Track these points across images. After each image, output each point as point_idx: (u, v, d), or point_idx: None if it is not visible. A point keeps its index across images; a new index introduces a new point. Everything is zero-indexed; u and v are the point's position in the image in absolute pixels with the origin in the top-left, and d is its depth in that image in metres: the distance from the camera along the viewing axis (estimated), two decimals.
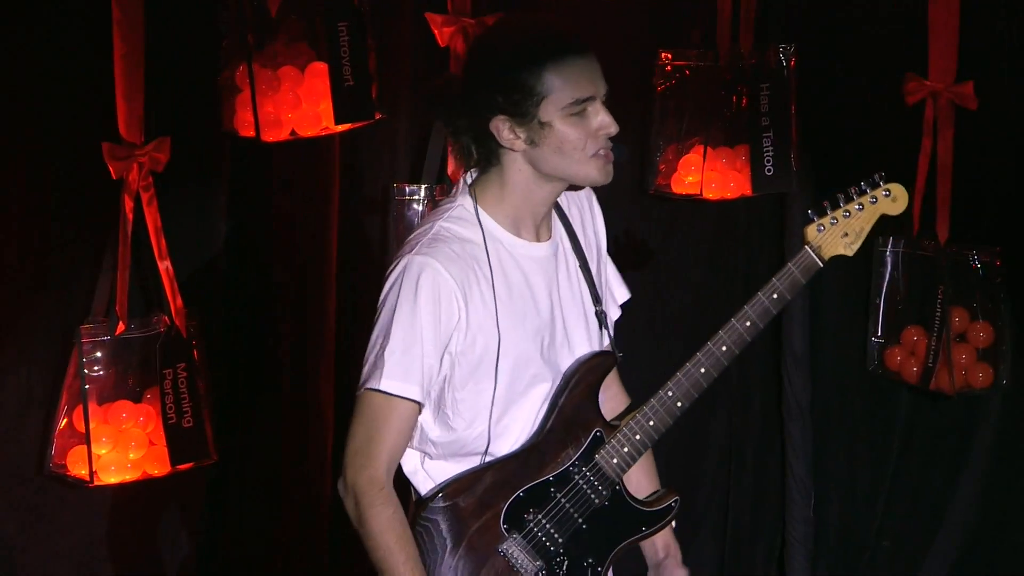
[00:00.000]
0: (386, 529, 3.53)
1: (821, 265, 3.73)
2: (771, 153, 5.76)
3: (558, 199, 3.74)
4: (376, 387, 3.53)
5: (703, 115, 5.80)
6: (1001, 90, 5.65)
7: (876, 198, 3.74)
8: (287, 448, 5.73)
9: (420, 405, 3.58)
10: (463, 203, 3.66)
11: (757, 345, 5.91)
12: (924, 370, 5.70)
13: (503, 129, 3.57)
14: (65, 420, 5.14)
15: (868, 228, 3.75)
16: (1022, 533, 5.91)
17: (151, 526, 5.55)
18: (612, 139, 3.63)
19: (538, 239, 3.68)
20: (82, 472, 5.08)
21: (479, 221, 3.62)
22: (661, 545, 3.85)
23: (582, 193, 3.82)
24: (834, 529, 6.11)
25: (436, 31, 5.43)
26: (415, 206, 5.50)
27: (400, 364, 3.53)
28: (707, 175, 5.79)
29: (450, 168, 5.52)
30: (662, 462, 4.06)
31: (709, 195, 5.80)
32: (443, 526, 3.57)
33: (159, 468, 5.21)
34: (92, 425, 5.11)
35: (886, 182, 3.76)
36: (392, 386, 3.53)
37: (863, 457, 6.07)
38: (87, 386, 5.11)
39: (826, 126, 5.92)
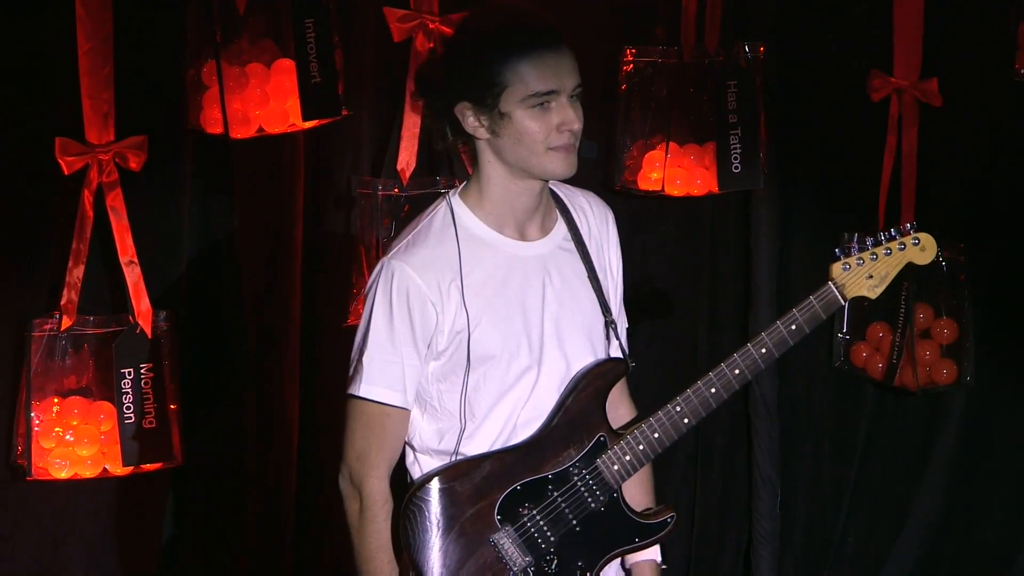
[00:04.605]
0: (384, 546, 3.63)
1: (843, 303, 3.72)
2: (738, 150, 5.76)
3: (569, 206, 3.76)
4: (357, 393, 3.61)
5: (668, 112, 5.80)
6: (966, 87, 5.67)
7: (904, 245, 3.73)
8: (251, 447, 5.70)
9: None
10: (445, 202, 3.68)
11: (724, 342, 5.99)
12: (889, 366, 5.72)
13: (467, 116, 3.59)
14: (22, 413, 5.17)
15: (893, 274, 3.74)
16: (986, 529, 5.93)
17: (115, 525, 5.53)
18: (583, 135, 3.63)
19: (524, 237, 3.69)
20: (27, 464, 5.15)
21: (454, 220, 3.63)
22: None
23: (601, 212, 3.82)
24: (800, 526, 6.11)
25: (392, 26, 5.43)
26: (378, 200, 5.50)
27: (380, 371, 3.59)
28: (673, 172, 5.79)
29: (399, 163, 5.52)
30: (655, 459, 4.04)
31: (672, 191, 5.80)
32: (437, 508, 3.60)
33: (120, 467, 5.21)
34: (42, 419, 5.16)
35: (916, 230, 3.74)
36: (372, 392, 3.60)
37: (829, 454, 6.08)
38: (33, 380, 5.16)
39: (792, 123, 5.92)
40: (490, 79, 3.54)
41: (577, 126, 3.58)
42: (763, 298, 5.93)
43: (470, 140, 3.64)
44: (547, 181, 3.67)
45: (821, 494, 6.09)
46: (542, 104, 3.55)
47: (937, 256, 5.60)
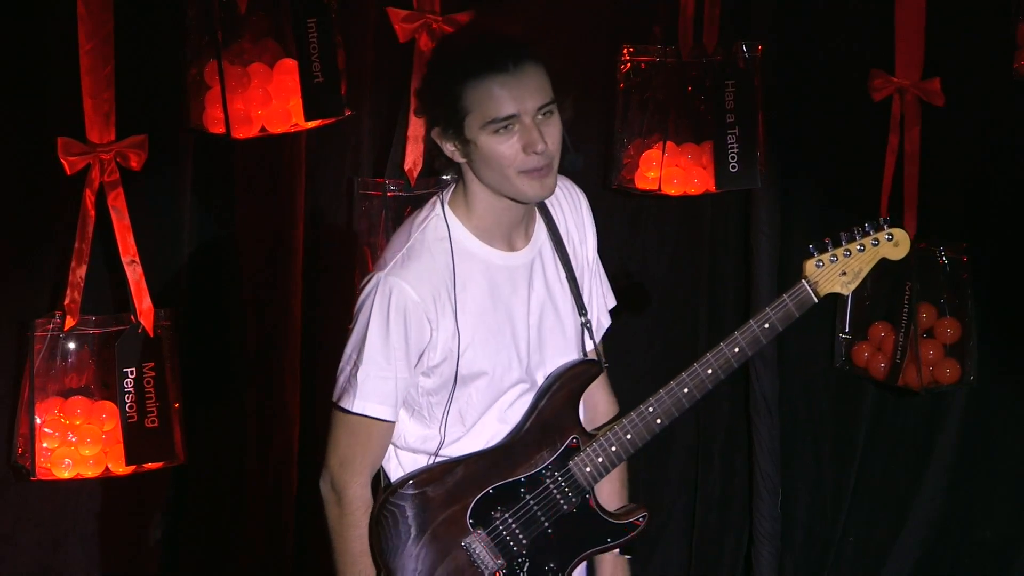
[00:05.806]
0: (368, 550, 3.63)
1: (816, 301, 3.71)
2: (736, 149, 5.76)
3: (548, 201, 3.73)
4: (350, 408, 3.60)
5: (665, 111, 5.79)
6: (966, 87, 5.67)
7: (878, 241, 3.72)
8: (251, 447, 5.70)
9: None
10: (437, 213, 3.66)
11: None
12: (891, 366, 5.72)
13: (443, 141, 3.59)
14: (23, 413, 5.17)
15: (867, 270, 3.74)
16: (986, 529, 5.94)
17: (115, 525, 5.53)
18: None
19: (512, 247, 3.68)
20: (30, 464, 5.14)
21: (449, 234, 3.62)
22: (609, 573, 3.87)
23: (577, 200, 3.82)
24: (801, 526, 6.12)
25: (397, 26, 5.43)
26: (378, 201, 5.49)
27: (374, 387, 3.58)
28: (670, 171, 5.79)
29: (407, 164, 5.51)
30: (630, 459, 4.05)
31: (669, 191, 5.80)
32: (409, 513, 3.62)
33: (122, 467, 5.20)
34: (44, 419, 5.15)
35: (890, 226, 3.73)
36: (367, 408, 3.59)
37: (830, 454, 6.09)
38: (35, 379, 5.14)
39: (792, 123, 5.93)
40: (452, 108, 3.53)
41: (541, 147, 3.53)
42: (763, 298, 5.92)
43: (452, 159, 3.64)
44: None
45: (822, 494, 6.10)
46: (505, 127, 3.52)
47: (938, 255, 5.67)
